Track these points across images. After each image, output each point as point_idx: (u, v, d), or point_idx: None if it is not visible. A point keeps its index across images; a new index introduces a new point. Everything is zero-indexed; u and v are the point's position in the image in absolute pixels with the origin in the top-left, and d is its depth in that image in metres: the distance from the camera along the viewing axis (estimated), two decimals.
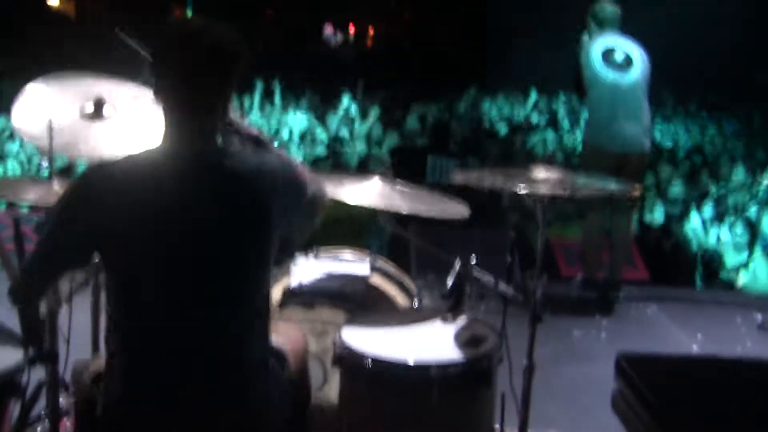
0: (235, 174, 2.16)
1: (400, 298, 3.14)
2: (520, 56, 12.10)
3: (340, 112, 10.40)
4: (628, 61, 5.25)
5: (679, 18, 12.95)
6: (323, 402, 2.96)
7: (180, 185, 2.12)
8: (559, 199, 2.74)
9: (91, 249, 2.16)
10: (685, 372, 2.54)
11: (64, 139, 2.77)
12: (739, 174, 8.42)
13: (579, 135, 9.97)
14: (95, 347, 3.09)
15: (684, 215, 7.55)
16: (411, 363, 2.48)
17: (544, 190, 2.68)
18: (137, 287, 2.14)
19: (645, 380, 2.32)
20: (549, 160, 2.87)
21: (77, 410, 2.47)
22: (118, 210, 2.09)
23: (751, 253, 6.53)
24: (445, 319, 2.77)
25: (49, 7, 21.16)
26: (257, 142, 2.42)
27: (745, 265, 6.43)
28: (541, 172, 2.81)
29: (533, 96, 12.02)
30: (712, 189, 8.06)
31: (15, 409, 2.58)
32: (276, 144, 2.50)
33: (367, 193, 3.06)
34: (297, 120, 10.27)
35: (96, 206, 2.10)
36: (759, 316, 5.27)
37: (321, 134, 9.87)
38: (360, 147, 9.41)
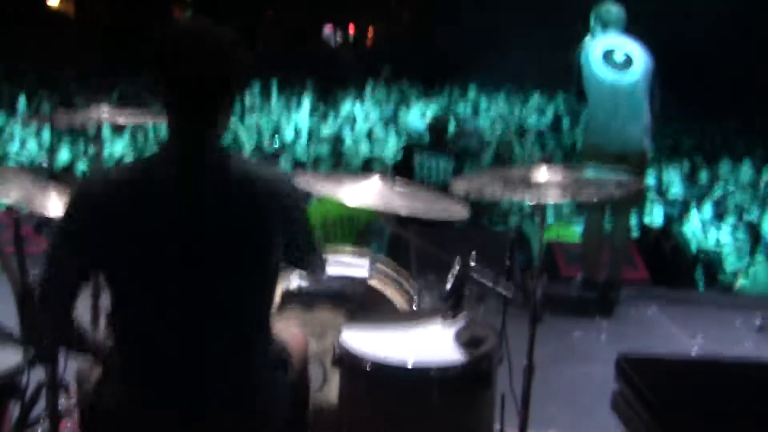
0: (235, 181, 2.16)
1: (399, 299, 3.14)
2: (520, 56, 12.10)
3: (342, 112, 10.41)
4: (628, 62, 5.24)
5: (680, 18, 12.95)
6: (323, 403, 2.96)
7: (180, 192, 2.12)
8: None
9: (96, 258, 2.13)
10: (685, 373, 2.54)
11: None
12: (744, 172, 8.41)
13: (579, 135, 9.97)
14: None
15: (684, 216, 7.55)
16: (411, 364, 2.47)
17: (546, 197, 2.66)
18: (138, 292, 2.13)
19: (645, 381, 2.32)
20: (548, 160, 2.83)
21: (81, 412, 2.47)
22: (118, 218, 2.08)
23: (752, 257, 6.51)
24: (444, 320, 2.77)
25: (49, 7, 21.16)
26: None
27: (746, 270, 6.41)
28: (542, 174, 2.73)
29: (533, 96, 12.02)
30: (717, 191, 8.05)
31: (15, 410, 2.58)
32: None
33: (367, 193, 3.05)
34: (297, 120, 10.28)
35: (96, 213, 2.09)
36: (759, 318, 5.27)
37: (321, 134, 9.88)
38: (361, 147, 9.41)
